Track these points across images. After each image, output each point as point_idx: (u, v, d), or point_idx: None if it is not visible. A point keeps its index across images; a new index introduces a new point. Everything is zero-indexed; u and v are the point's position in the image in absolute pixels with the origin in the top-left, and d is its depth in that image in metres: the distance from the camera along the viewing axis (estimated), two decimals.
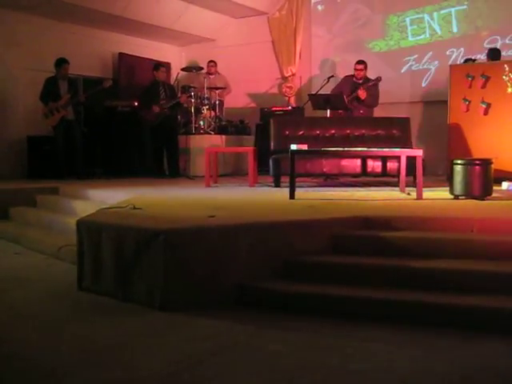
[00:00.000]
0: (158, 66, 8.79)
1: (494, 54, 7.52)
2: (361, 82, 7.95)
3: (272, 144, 7.02)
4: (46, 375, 2.42)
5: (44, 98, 7.96)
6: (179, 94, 8.99)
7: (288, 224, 3.75)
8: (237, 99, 10.24)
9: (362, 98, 7.82)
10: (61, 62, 8.00)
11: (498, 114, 6.83)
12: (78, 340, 2.84)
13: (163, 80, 8.80)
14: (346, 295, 3.22)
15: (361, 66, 8.00)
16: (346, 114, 7.90)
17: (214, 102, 9.40)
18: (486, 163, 5.03)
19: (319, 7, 9.97)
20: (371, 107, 8.02)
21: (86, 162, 8.19)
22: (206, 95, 9.24)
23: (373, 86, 7.89)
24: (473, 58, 8.10)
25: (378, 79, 7.85)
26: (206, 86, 9.29)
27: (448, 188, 5.21)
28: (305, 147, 5.61)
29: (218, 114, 9.44)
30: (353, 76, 8.12)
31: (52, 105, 7.89)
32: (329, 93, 8.07)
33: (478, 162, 5.07)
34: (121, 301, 3.46)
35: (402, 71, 9.17)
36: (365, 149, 5.89)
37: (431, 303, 3.04)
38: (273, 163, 6.49)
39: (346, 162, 6.52)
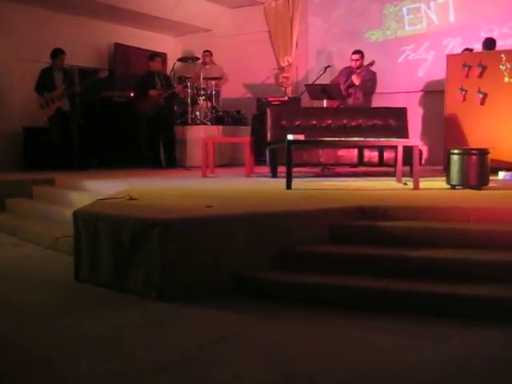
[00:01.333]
0: (153, 55, 8.75)
1: (488, 43, 7.51)
2: (358, 71, 7.91)
3: (269, 134, 6.99)
4: (42, 365, 2.42)
5: (39, 88, 7.92)
6: (175, 85, 8.96)
7: (285, 214, 3.75)
8: (233, 89, 10.20)
9: (356, 83, 7.76)
10: (57, 53, 7.95)
11: (495, 104, 6.81)
12: (75, 330, 2.84)
13: (158, 70, 8.76)
14: (344, 284, 3.22)
15: (357, 56, 7.96)
16: (342, 103, 7.87)
17: (211, 93, 9.37)
18: (482, 153, 5.02)
19: None
20: (366, 94, 7.93)
21: (82, 152, 8.17)
22: (202, 85, 9.21)
23: (367, 70, 7.84)
24: (470, 47, 8.07)
25: (372, 63, 7.80)
26: (201, 76, 9.26)
27: (445, 178, 5.21)
28: (301, 137, 5.61)
29: (214, 104, 9.42)
30: (350, 67, 8.07)
31: (47, 96, 7.85)
32: (326, 83, 8.03)
33: (474, 151, 5.06)
34: (118, 291, 3.46)
35: (399, 61, 9.15)
36: (361, 139, 5.89)
37: (428, 292, 3.05)
38: (269, 153, 6.48)
39: (342, 152, 6.50)
